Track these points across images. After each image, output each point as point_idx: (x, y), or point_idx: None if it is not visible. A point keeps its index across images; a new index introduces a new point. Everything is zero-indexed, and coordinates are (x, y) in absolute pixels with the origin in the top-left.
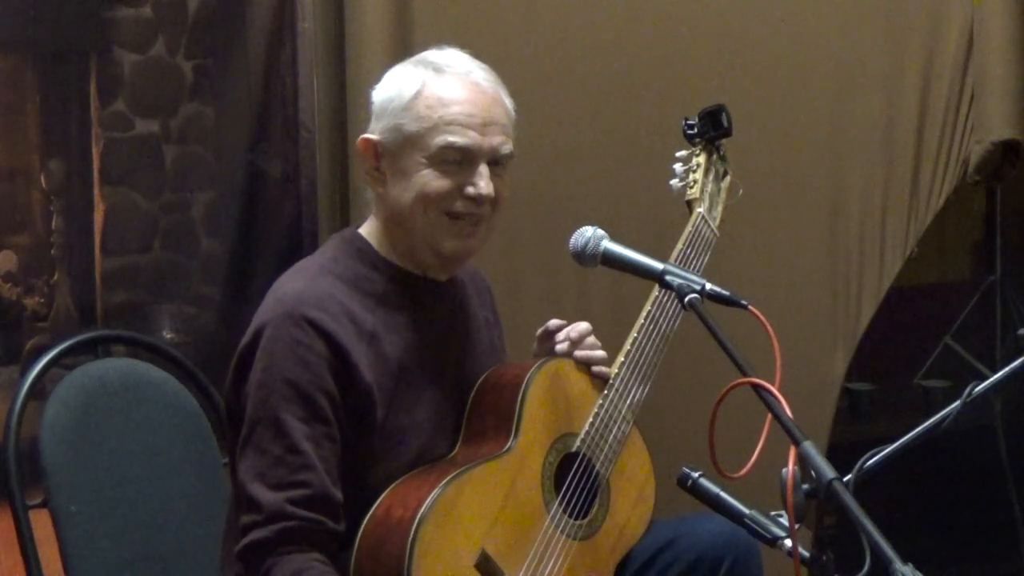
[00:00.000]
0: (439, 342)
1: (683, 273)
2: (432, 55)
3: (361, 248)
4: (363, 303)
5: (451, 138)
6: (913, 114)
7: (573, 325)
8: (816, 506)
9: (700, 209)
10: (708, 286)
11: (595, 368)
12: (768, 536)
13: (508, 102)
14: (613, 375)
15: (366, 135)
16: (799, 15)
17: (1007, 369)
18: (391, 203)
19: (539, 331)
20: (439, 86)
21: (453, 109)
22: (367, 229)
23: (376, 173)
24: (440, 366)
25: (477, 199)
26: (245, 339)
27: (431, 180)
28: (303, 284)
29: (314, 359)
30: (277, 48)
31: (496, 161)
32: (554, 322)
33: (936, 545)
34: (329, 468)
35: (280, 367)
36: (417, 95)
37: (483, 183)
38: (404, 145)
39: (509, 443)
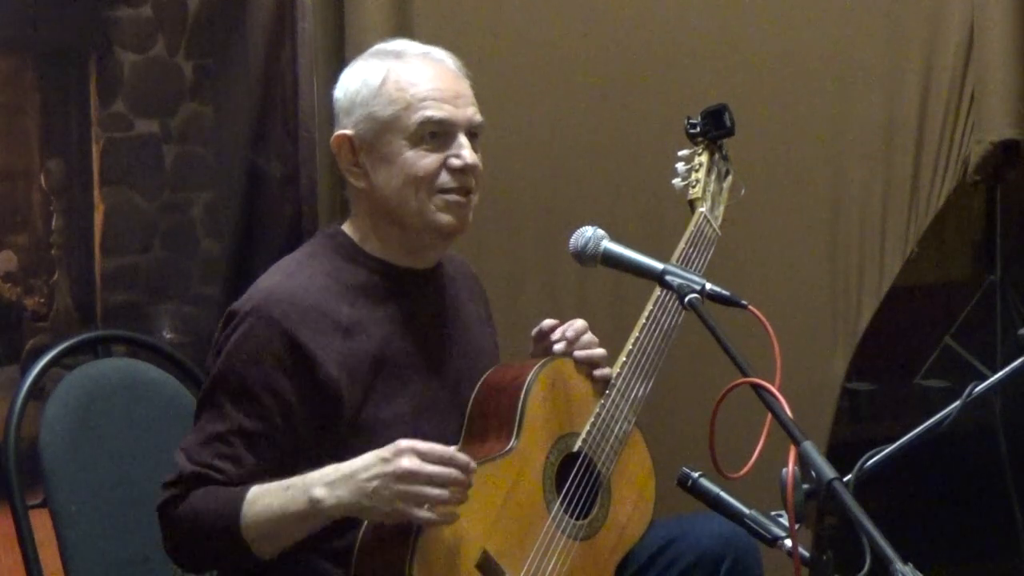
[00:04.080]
0: (424, 333)
1: (683, 273)
2: (385, 45)
3: (342, 243)
4: (341, 296)
5: (428, 112)
6: (913, 114)
7: (568, 323)
8: (816, 506)
9: (702, 208)
10: (708, 286)
11: (596, 372)
12: (768, 536)
13: (467, 78)
14: (615, 375)
15: (338, 132)
16: (799, 15)
17: (1007, 369)
18: (377, 193)
19: (534, 331)
20: (404, 69)
21: (423, 86)
22: (348, 226)
23: (356, 169)
24: (425, 358)
25: (464, 169)
26: (220, 323)
27: (416, 160)
28: (277, 280)
29: (268, 359)
30: (277, 48)
31: (472, 133)
32: (548, 322)
33: (936, 545)
34: (260, 465)
35: (235, 360)
36: (384, 81)
37: (467, 152)
38: (381, 132)
39: (511, 443)
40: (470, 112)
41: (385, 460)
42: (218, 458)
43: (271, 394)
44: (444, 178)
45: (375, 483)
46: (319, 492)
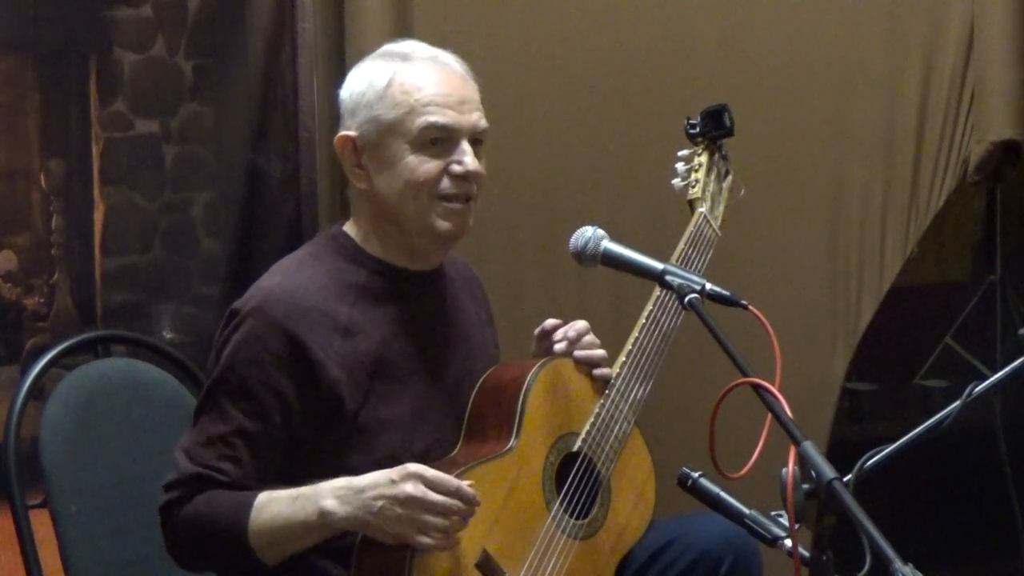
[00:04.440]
0: (424, 335)
1: (683, 273)
2: (394, 47)
3: (343, 243)
4: (342, 297)
5: (431, 118)
6: (913, 114)
7: (571, 324)
8: (816, 506)
9: (702, 209)
10: (708, 286)
11: (596, 371)
12: (768, 536)
13: (475, 83)
14: (614, 375)
15: (342, 132)
16: (799, 15)
17: (1007, 369)
18: (378, 196)
19: (536, 331)
20: (409, 72)
21: (428, 91)
22: (350, 226)
23: (358, 170)
24: (424, 359)
25: (465, 176)
26: (222, 322)
27: (417, 165)
28: (279, 279)
29: (269, 358)
30: (277, 48)
31: (475, 139)
32: (551, 322)
33: (936, 545)
34: (260, 465)
35: (235, 360)
36: (389, 84)
37: (468, 159)
38: (384, 135)
39: (510, 443)
40: (474, 118)
41: (392, 482)
42: (220, 459)
43: (272, 394)
44: (445, 184)
45: (380, 503)
46: (329, 504)
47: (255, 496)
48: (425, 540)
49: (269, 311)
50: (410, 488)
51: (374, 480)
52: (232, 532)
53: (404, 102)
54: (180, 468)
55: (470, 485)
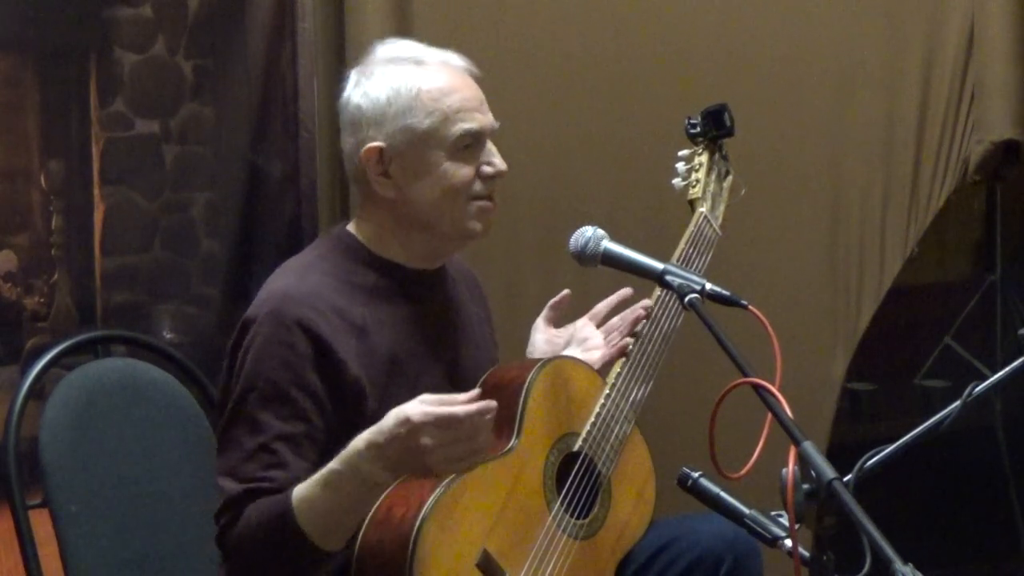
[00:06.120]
0: (432, 334)
1: (683, 273)
2: (397, 51)
3: (350, 244)
4: (352, 297)
5: (466, 125)
6: (913, 114)
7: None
8: (816, 506)
9: (702, 209)
10: (708, 286)
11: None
12: (768, 536)
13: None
14: (615, 375)
15: (370, 144)
16: (799, 15)
17: (1007, 369)
18: (409, 203)
19: (588, 315)
20: (433, 79)
21: (455, 97)
22: (356, 227)
23: (383, 179)
24: (433, 358)
25: (496, 176)
26: (234, 334)
27: (455, 171)
28: (291, 281)
29: (296, 359)
30: (277, 48)
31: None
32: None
33: (936, 545)
34: (306, 466)
35: (263, 366)
36: (418, 93)
37: (497, 160)
38: (418, 144)
39: (511, 443)
40: (491, 117)
41: (408, 434)
42: (266, 468)
43: (306, 393)
44: (477, 186)
45: (406, 456)
46: (366, 470)
47: (291, 496)
48: (467, 465)
49: (288, 312)
50: (427, 440)
51: (386, 437)
52: (289, 531)
53: (436, 110)
54: (225, 492)
55: (471, 399)
